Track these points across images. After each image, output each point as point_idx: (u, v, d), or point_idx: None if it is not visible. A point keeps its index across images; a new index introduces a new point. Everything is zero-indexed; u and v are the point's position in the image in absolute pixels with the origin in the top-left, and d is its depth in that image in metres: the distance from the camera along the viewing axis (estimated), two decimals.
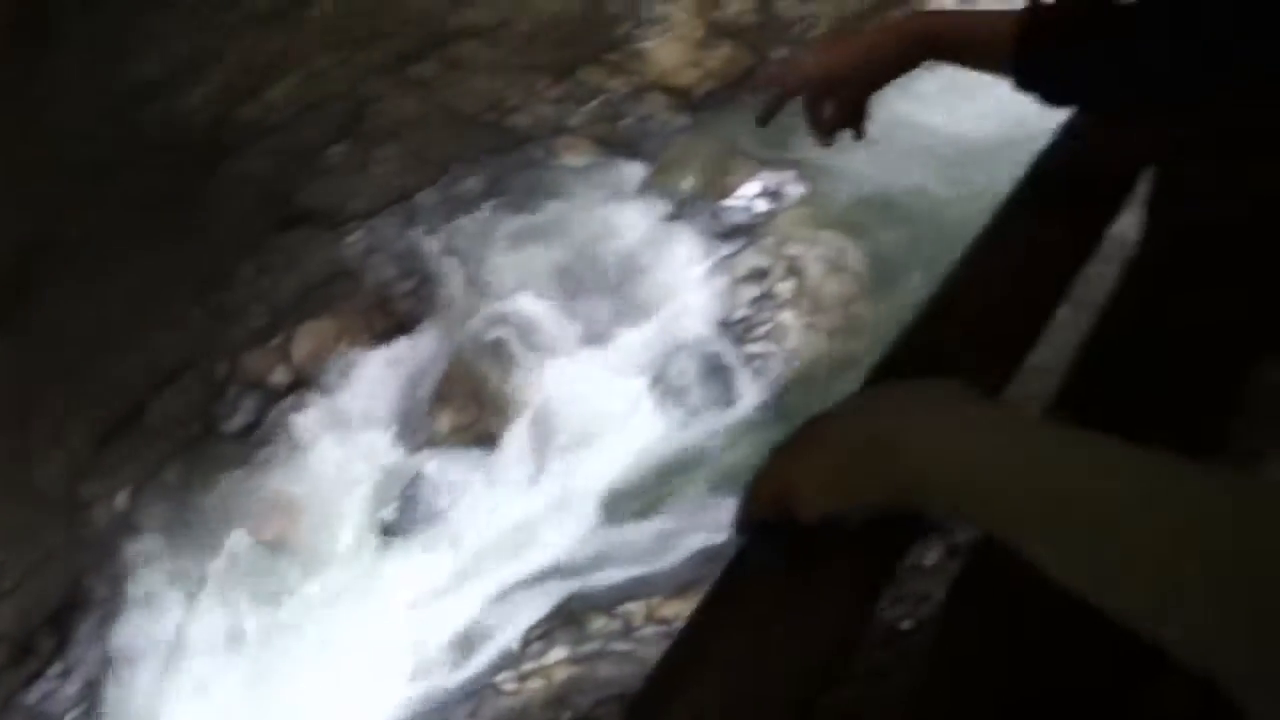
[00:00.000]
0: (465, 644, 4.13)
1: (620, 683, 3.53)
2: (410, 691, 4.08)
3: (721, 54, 5.45)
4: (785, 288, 4.90)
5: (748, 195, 5.18)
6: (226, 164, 5.19)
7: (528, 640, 3.94)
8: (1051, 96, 1.13)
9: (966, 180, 4.82)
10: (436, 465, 4.59)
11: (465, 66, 5.38)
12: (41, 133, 4.85)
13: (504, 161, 5.34)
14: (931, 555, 2.95)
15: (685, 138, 5.40)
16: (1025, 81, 1.12)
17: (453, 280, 5.07)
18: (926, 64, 1.22)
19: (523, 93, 5.39)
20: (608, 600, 3.94)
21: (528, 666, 3.80)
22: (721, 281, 4.99)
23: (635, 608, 3.85)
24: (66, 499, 4.49)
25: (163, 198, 4.95)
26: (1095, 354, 1.25)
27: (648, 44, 5.38)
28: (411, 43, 5.40)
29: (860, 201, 5.09)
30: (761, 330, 4.87)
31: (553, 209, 5.26)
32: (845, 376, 4.35)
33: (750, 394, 4.73)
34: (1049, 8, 1.08)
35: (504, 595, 4.22)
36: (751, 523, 0.86)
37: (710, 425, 4.68)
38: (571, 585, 4.11)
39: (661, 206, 5.23)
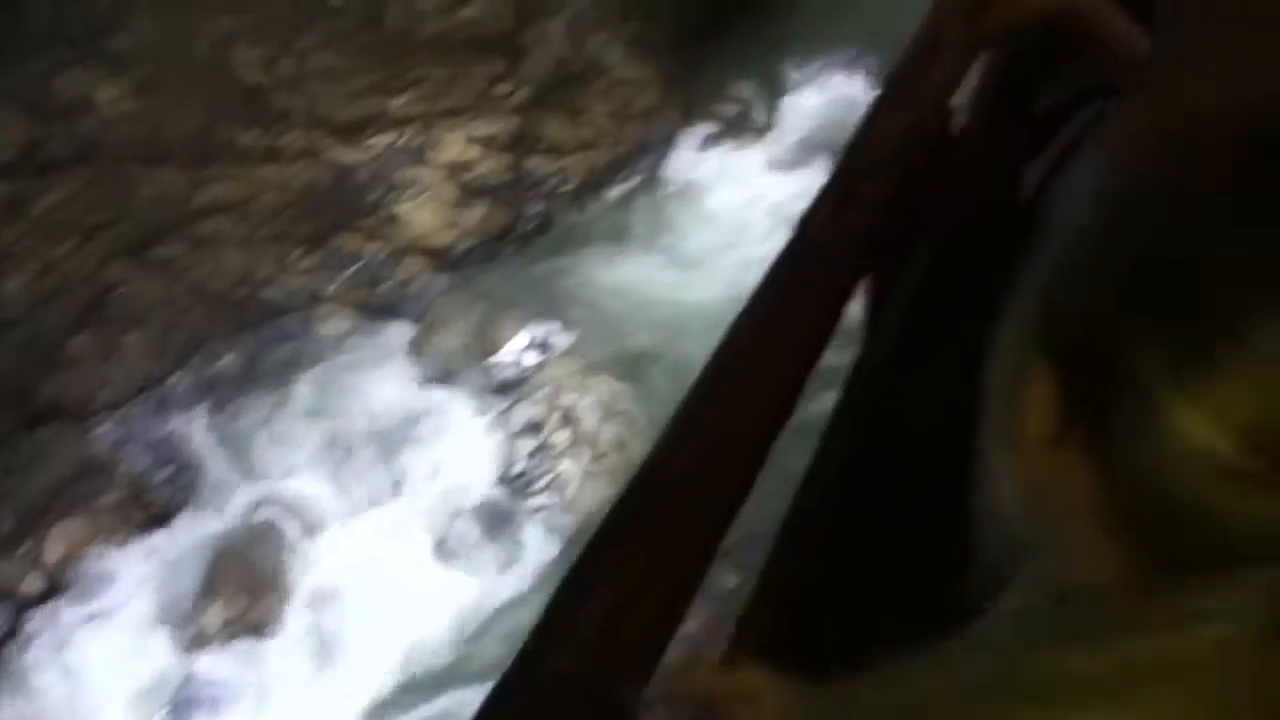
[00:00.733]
0: None
1: None
2: None
3: (477, 213, 5.50)
4: (561, 437, 4.90)
5: (516, 349, 5.19)
6: None
7: None
8: None
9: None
10: (208, 664, 4.33)
11: (212, 244, 5.25)
12: None
13: (260, 337, 5.21)
14: None
15: (447, 298, 5.39)
16: None
17: (213, 465, 4.86)
18: None
19: (275, 265, 5.28)
20: None
21: None
22: (497, 437, 4.96)
23: None
24: None
25: None
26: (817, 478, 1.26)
27: (401, 208, 5.38)
28: (153, 225, 5.25)
29: (627, 346, 5.17)
30: (542, 482, 4.85)
31: (315, 380, 5.13)
32: None
33: (537, 548, 4.68)
34: None
35: None
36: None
37: (498, 585, 4.61)
38: None
39: (429, 368, 5.19)
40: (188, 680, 4.31)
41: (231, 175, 5.24)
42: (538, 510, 4.80)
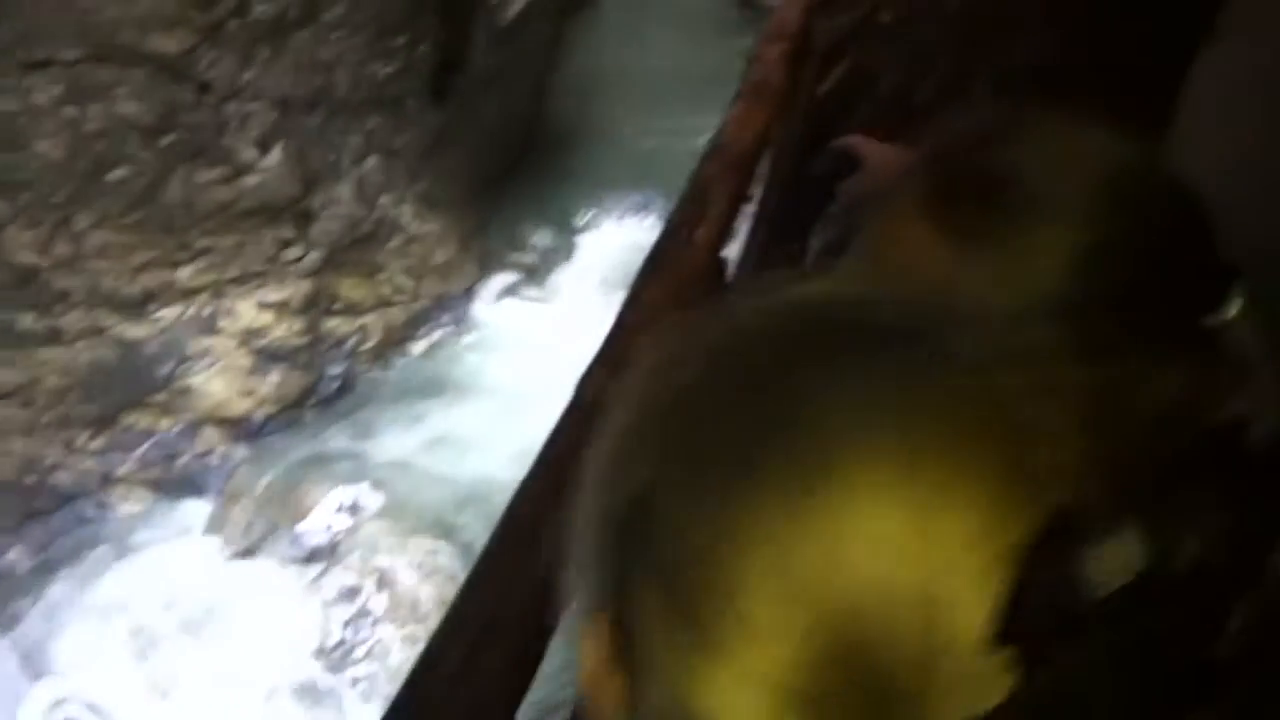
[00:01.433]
0: None
1: None
2: None
3: (273, 379, 5.39)
4: (379, 602, 4.78)
5: (324, 515, 5.06)
6: None
7: None
8: None
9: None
10: None
11: None
12: None
13: (50, 525, 4.98)
14: None
15: (248, 468, 5.24)
16: None
17: (2, 668, 4.57)
18: None
19: (62, 449, 5.06)
20: None
21: None
22: (311, 609, 4.81)
23: None
24: None
25: None
26: None
27: (194, 379, 5.23)
28: None
29: (440, 501, 5.10)
30: (362, 651, 4.71)
31: (113, 566, 4.92)
32: None
33: None
34: None
35: None
36: None
37: None
38: None
39: (233, 543, 5.02)
40: None
41: (10, 360, 5.01)
42: (359, 681, 4.65)
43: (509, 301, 6.46)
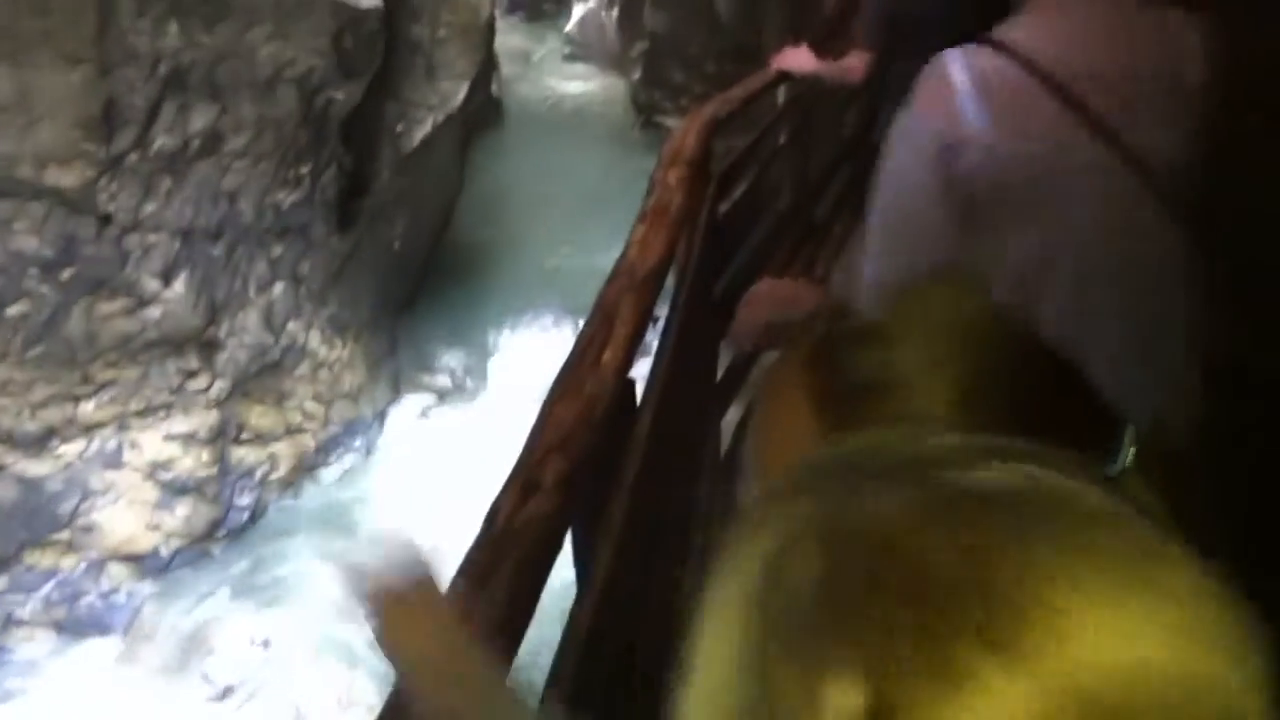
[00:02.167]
0: None
1: None
2: None
3: (181, 512, 5.28)
4: None
5: (237, 646, 4.94)
6: None
7: None
8: None
9: None
10: None
11: None
12: None
13: None
14: None
15: (156, 605, 5.10)
16: None
17: None
18: None
19: None
20: None
21: None
22: None
23: None
24: None
25: None
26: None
27: (98, 516, 5.09)
28: None
29: (357, 631, 4.99)
30: None
31: (14, 713, 4.71)
32: None
33: None
34: None
35: None
36: None
37: None
38: None
39: (142, 681, 4.85)
40: None
41: None
42: None
43: (420, 424, 6.44)
